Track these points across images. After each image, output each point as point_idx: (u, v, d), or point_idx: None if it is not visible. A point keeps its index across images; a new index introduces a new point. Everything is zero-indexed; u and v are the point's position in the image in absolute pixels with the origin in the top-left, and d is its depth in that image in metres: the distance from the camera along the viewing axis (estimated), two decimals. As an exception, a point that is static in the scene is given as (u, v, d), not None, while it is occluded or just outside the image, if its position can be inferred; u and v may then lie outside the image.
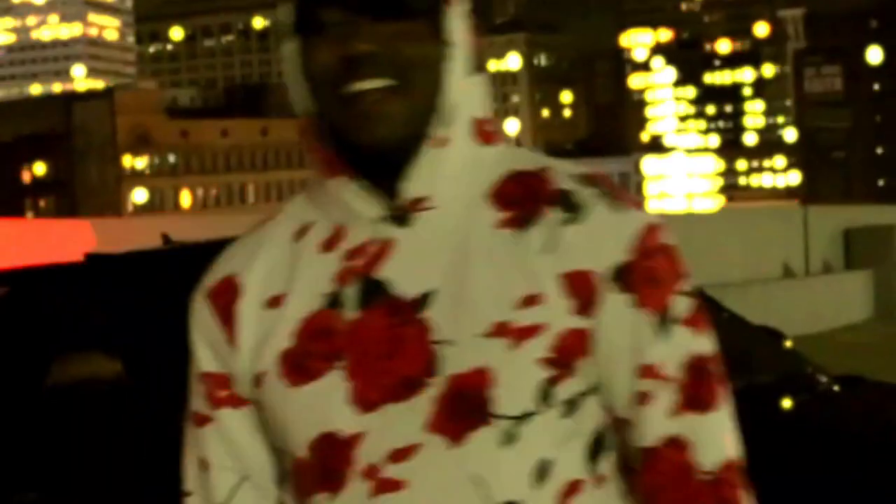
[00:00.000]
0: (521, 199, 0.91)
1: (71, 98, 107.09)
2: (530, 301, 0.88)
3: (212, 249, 1.06)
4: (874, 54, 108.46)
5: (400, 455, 0.89)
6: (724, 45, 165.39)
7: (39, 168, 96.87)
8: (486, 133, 0.92)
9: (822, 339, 10.69)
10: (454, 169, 0.90)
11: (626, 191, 0.94)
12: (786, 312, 6.12)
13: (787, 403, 3.57)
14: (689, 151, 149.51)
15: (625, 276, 0.88)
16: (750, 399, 2.59)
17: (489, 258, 0.89)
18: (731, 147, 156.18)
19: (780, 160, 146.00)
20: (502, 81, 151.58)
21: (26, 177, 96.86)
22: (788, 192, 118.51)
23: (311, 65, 0.91)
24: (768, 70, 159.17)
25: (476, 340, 0.88)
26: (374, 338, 0.90)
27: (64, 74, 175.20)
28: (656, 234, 0.89)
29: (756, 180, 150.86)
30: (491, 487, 0.89)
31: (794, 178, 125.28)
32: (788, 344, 4.21)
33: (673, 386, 0.92)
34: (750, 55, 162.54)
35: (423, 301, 0.89)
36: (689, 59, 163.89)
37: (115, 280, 3.45)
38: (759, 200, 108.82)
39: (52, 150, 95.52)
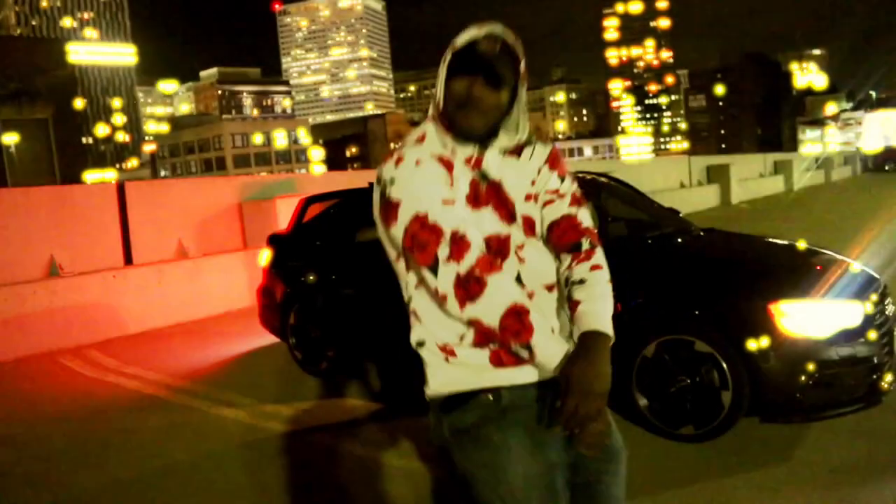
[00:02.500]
0: (519, 149, 1.82)
1: (367, 118, 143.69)
2: (531, 184, 1.83)
3: None
4: (720, 89, 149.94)
5: (522, 246, 1.78)
6: (653, 87, 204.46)
7: (353, 149, 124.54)
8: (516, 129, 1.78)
9: (695, 214, 15.59)
10: (502, 140, 1.77)
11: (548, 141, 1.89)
12: (680, 203, 8.27)
13: (678, 239, 5.13)
14: (639, 134, 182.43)
15: (550, 160, 1.85)
16: (663, 238, 5.00)
17: (514, 165, 1.80)
18: (656, 132, 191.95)
19: (678, 137, 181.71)
20: (556, 107, 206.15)
21: (347, 154, 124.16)
22: (683, 152, 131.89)
23: (452, 87, 1.72)
24: (673, 98, 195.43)
25: (523, 202, 1.81)
26: (493, 197, 1.77)
27: (362, 107, 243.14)
28: (556, 150, 1.87)
29: (668, 147, 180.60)
30: (546, 252, 1.82)
31: (685, 145, 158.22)
32: (681, 215, 5.83)
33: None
34: (665, 91, 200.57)
35: (500, 183, 1.78)
36: (638, 93, 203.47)
37: None
38: (669, 155, 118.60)
39: (359, 141, 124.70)
